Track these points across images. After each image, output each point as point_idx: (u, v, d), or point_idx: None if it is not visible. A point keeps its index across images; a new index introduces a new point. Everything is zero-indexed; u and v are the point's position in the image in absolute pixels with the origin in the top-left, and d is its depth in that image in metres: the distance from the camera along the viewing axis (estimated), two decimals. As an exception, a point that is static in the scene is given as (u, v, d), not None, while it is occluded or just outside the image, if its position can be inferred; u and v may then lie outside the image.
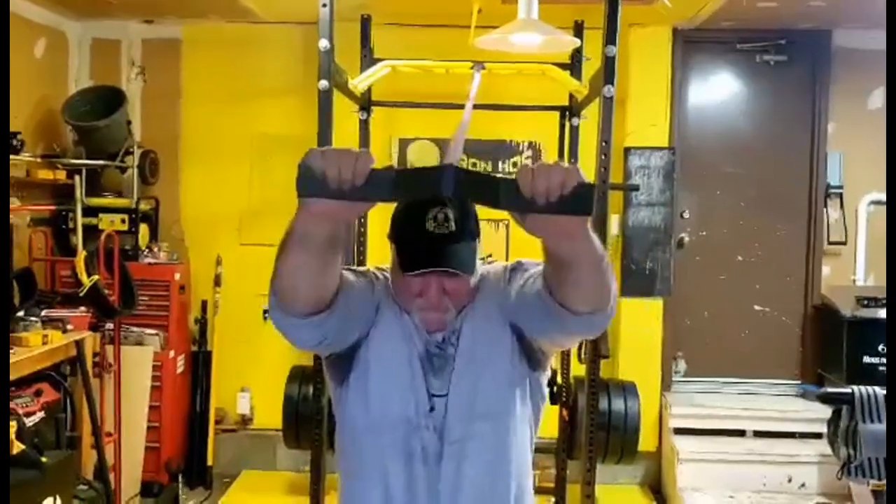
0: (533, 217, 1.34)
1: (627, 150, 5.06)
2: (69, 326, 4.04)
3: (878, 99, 5.23)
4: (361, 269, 1.85)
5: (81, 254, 4.10)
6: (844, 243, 5.24)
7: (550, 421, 4.36)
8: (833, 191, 5.26)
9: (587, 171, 3.72)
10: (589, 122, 4.09)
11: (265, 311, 4.46)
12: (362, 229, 4.38)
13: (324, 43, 3.18)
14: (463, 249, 1.67)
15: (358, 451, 1.77)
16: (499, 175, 1.37)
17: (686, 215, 5.33)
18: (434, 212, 1.63)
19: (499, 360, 1.74)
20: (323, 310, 1.57)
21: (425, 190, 1.43)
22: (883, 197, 5.00)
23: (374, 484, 1.74)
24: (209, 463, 5.14)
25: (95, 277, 4.00)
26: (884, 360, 4.60)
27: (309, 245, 1.45)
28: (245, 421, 5.39)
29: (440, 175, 1.35)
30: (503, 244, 5.11)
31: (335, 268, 1.56)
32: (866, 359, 4.73)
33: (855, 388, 3.89)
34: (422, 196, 1.59)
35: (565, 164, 1.34)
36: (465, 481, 1.72)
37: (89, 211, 4.78)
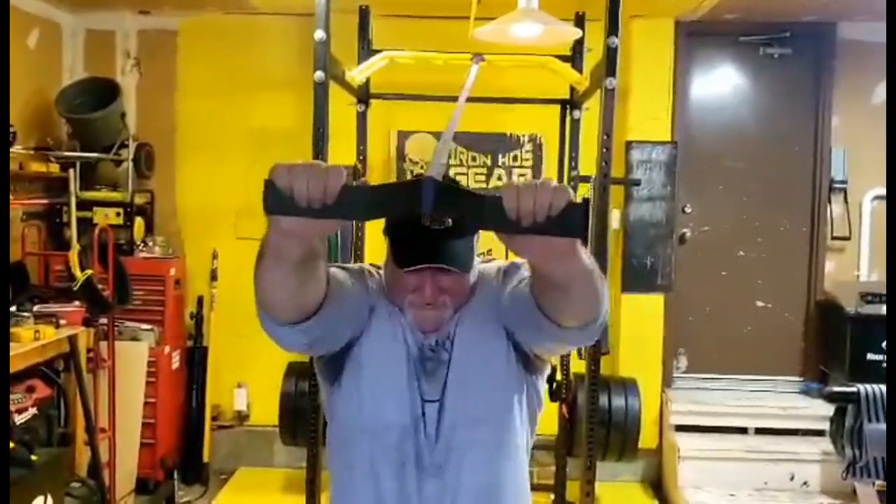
0: (520, 238, 1.25)
1: (629, 144, 5.02)
2: (62, 321, 3.99)
3: (882, 93, 5.16)
4: (355, 266, 1.79)
5: (75, 248, 4.06)
6: (848, 239, 5.20)
7: (550, 418, 4.32)
8: (837, 186, 5.21)
9: (588, 164, 3.65)
10: (590, 115, 4.04)
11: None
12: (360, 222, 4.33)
13: (320, 34, 3.13)
14: (460, 245, 1.62)
15: (350, 453, 1.72)
16: (483, 192, 1.26)
17: (688, 210, 5.28)
18: None
19: (494, 365, 1.69)
20: (310, 316, 1.50)
21: (403, 208, 1.31)
22: (887, 192, 4.96)
23: (365, 487, 1.69)
24: (205, 459, 5.09)
25: (89, 272, 3.96)
26: (888, 356, 4.56)
27: (283, 262, 1.36)
28: (241, 417, 5.35)
29: (419, 191, 1.22)
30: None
31: (315, 279, 1.47)
32: (870, 355, 4.69)
33: (860, 386, 3.85)
34: (399, 215, 1.50)
35: (553, 182, 1.24)
36: (462, 489, 1.67)
37: (83, 204, 4.73)
